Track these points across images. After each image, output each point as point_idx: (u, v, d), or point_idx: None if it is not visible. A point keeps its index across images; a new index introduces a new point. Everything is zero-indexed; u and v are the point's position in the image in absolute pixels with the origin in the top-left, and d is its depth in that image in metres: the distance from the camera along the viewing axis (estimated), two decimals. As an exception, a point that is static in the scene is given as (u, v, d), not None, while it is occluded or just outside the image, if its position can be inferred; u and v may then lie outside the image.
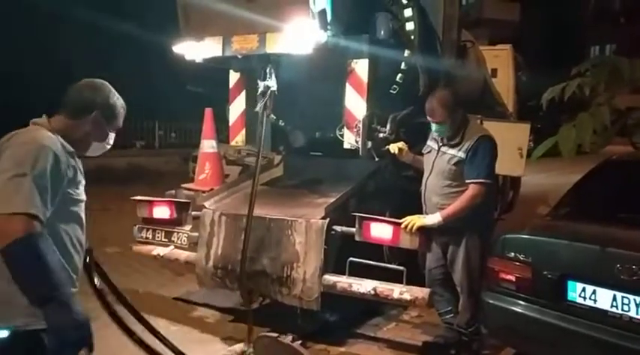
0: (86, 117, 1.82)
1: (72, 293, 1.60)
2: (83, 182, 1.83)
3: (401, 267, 3.21)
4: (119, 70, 12.27)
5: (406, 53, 3.99)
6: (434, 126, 3.32)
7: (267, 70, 3.45)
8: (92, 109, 1.83)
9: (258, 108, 3.46)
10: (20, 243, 1.47)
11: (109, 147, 1.96)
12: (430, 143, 3.44)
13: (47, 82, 11.42)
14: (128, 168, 12.42)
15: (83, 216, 1.82)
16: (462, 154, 3.20)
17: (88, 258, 1.96)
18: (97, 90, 1.87)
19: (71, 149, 1.76)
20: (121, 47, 12.05)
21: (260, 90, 3.47)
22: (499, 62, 7.21)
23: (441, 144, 3.33)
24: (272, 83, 3.42)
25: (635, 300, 2.44)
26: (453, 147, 3.26)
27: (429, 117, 3.31)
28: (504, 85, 7.02)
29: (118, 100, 1.91)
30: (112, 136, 1.94)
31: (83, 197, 1.82)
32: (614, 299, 2.51)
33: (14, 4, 10.28)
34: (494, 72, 6.97)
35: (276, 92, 3.44)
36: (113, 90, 1.91)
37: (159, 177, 11.64)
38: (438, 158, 3.32)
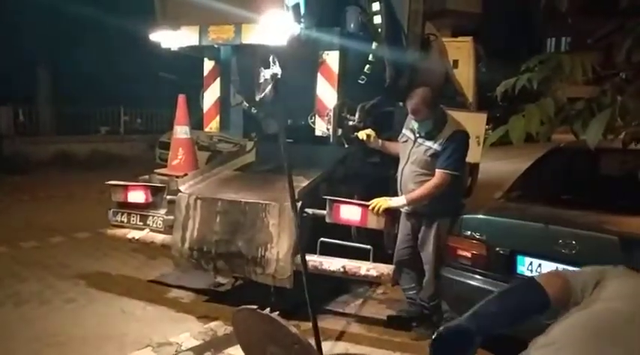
0: None
1: None
2: None
3: (368, 246, 3.45)
4: (82, 56, 11.95)
5: (374, 45, 4.20)
6: (416, 124, 3.36)
7: (271, 59, 3.58)
8: None
9: (268, 92, 3.58)
10: None
11: None
12: (406, 132, 3.50)
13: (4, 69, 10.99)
14: (92, 155, 12.16)
15: None
16: (437, 147, 3.30)
17: None
18: None
19: None
20: (84, 32, 11.65)
21: (264, 78, 3.58)
22: (460, 54, 7.45)
23: (417, 135, 3.41)
24: (277, 70, 3.55)
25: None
26: (429, 139, 3.34)
27: (411, 116, 3.37)
28: (465, 76, 7.28)
29: None
30: None
31: None
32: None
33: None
34: (455, 63, 7.21)
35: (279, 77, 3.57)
36: None
37: (123, 163, 11.47)
38: (415, 148, 3.41)
